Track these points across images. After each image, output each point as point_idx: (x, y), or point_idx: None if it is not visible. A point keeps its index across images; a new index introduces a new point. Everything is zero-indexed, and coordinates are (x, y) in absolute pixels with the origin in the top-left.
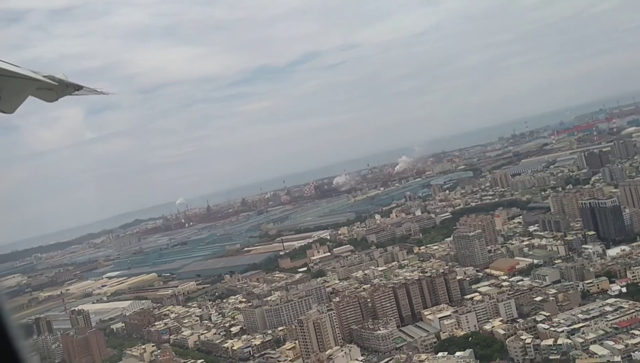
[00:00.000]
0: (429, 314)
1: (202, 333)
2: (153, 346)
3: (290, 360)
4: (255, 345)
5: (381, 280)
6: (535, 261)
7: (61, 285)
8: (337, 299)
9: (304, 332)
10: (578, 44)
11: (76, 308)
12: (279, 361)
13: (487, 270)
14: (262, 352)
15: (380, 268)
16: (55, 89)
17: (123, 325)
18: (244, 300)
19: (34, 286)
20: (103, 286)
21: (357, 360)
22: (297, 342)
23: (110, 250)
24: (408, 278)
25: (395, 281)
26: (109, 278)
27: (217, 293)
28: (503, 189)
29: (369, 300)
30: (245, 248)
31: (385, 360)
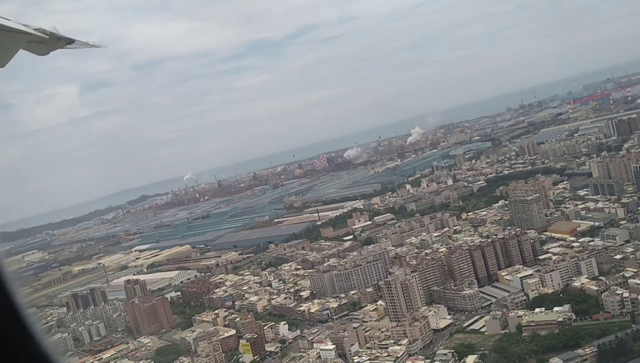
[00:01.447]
0: (506, 274)
1: (273, 298)
2: (226, 311)
3: (375, 320)
4: (332, 307)
5: (441, 245)
6: (596, 223)
7: (89, 259)
8: (415, 262)
9: (391, 293)
10: (578, 13)
11: (131, 278)
12: (364, 321)
13: (547, 233)
14: (341, 314)
15: (435, 234)
16: (47, 42)
17: (179, 293)
18: (299, 267)
19: (61, 261)
20: (137, 258)
21: (445, 318)
22: (378, 303)
23: (127, 225)
24: (469, 242)
25: (470, 244)
26: (140, 251)
27: (264, 262)
28: (533, 158)
29: (444, 262)
30: (275, 220)
31: (477, 316)
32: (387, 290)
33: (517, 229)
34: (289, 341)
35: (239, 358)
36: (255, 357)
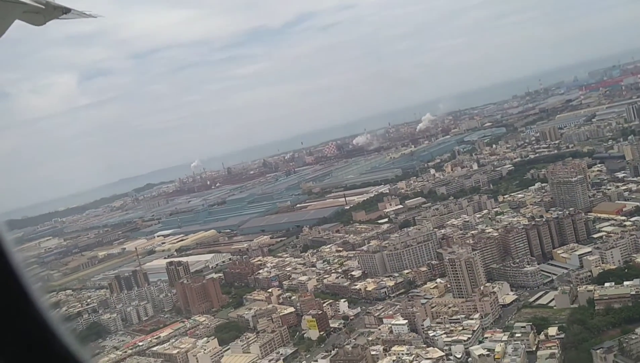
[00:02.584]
0: (562, 252)
1: (324, 278)
2: (278, 290)
3: (437, 297)
4: (388, 286)
5: (486, 226)
6: None
7: (110, 245)
8: (472, 241)
9: (455, 270)
10: (577, 1)
11: (174, 260)
12: (425, 298)
13: (592, 214)
14: (398, 292)
15: (478, 215)
16: (43, 12)
17: (220, 274)
18: (340, 248)
19: (81, 247)
20: (162, 243)
21: (508, 294)
22: (437, 280)
23: (140, 212)
24: (514, 222)
25: (525, 224)
26: (164, 236)
27: (300, 245)
28: (556, 142)
29: (500, 241)
30: (298, 205)
31: (541, 292)
32: (451, 268)
33: (565, 210)
34: (351, 318)
35: (303, 334)
36: (321, 333)
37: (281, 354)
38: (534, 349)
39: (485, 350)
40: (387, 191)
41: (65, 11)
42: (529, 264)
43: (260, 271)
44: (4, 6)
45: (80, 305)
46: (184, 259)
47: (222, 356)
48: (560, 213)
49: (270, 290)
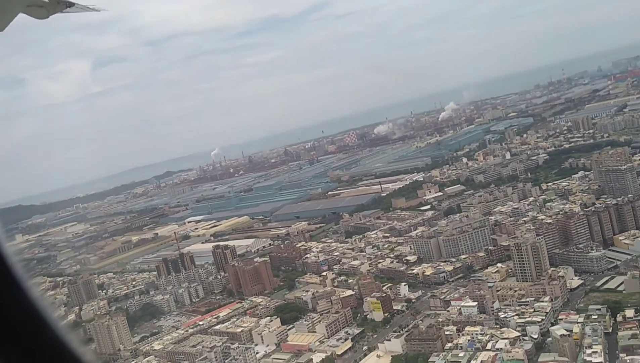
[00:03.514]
0: (624, 239)
1: (378, 262)
2: (333, 274)
3: (500, 281)
4: (447, 271)
5: (537, 213)
6: None
7: (140, 230)
8: (532, 227)
9: (521, 254)
10: None
11: (220, 244)
12: (488, 282)
13: None
14: (456, 277)
15: (525, 203)
16: (46, 6)
17: (265, 258)
18: (387, 234)
19: (111, 232)
20: (195, 229)
21: (572, 278)
22: (498, 265)
23: (165, 198)
24: (565, 209)
25: (586, 210)
26: (196, 221)
27: (342, 231)
28: (590, 132)
29: (559, 227)
30: (330, 192)
31: (607, 277)
32: (517, 252)
33: (609, 198)
34: (412, 301)
35: (366, 315)
36: (385, 314)
37: (349, 334)
38: (609, 331)
39: (565, 331)
40: (422, 179)
41: (68, 5)
42: (593, 249)
43: (308, 255)
44: (7, 0)
45: (126, 287)
46: (226, 244)
47: (287, 335)
48: (618, 199)
49: (324, 274)
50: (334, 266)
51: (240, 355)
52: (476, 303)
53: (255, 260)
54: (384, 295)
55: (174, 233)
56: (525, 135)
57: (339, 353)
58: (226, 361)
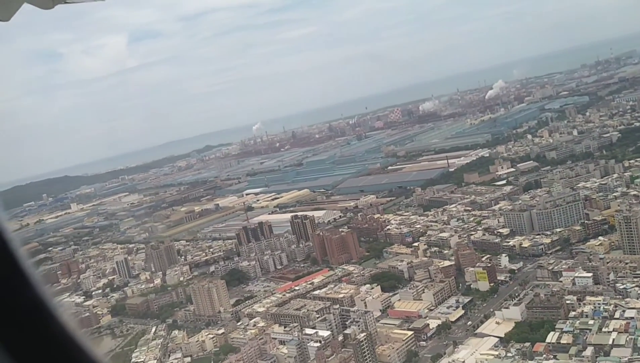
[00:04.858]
0: None
1: (471, 234)
2: (424, 244)
3: (604, 254)
4: (544, 243)
5: (626, 189)
6: None
7: (198, 201)
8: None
9: (629, 227)
10: None
11: (298, 214)
12: (591, 254)
13: None
14: (554, 249)
15: (612, 178)
16: None
17: (343, 230)
18: (469, 208)
19: (169, 202)
20: (257, 201)
21: None
22: (599, 238)
23: (212, 172)
24: None
25: None
26: (255, 194)
27: (415, 204)
28: None
29: None
30: (390, 167)
31: None
32: (625, 225)
33: None
34: (515, 271)
35: (469, 285)
36: (491, 284)
37: (459, 302)
38: None
39: None
40: (487, 155)
41: None
42: None
43: (389, 227)
44: None
45: (204, 254)
46: (286, 216)
47: (389, 302)
48: None
49: (416, 244)
50: (420, 238)
51: (360, 318)
52: (591, 274)
53: (340, 230)
54: (489, 265)
55: (243, 203)
56: (587, 113)
57: (452, 320)
58: (347, 322)
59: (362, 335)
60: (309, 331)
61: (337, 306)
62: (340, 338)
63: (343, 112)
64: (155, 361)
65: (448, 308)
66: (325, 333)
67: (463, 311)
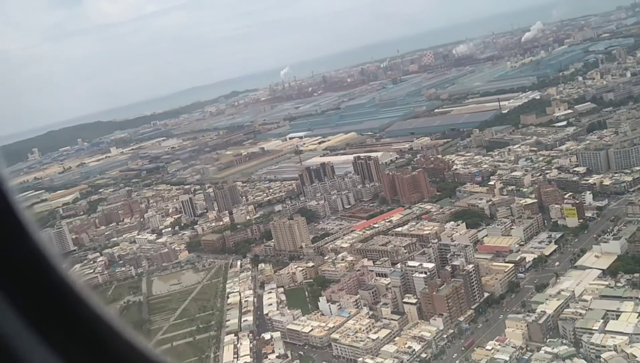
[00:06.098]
0: None
1: (546, 173)
2: (501, 183)
3: None
4: (626, 181)
5: None
6: None
7: (241, 145)
8: None
9: None
10: None
11: (361, 155)
12: None
13: None
14: (635, 187)
15: None
16: None
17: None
18: (534, 148)
19: (212, 146)
20: (303, 144)
21: None
22: None
23: (247, 116)
24: None
25: None
26: (299, 138)
27: (473, 146)
28: None
29: None
30: (436, 110)
31: None
32: None
33: None
34: (602, 208)
35: (556, 221)
36: (580, 221)
37: (552, 237)
38: None
39: None
40: (539, 97)
41: None
42: None
43: (456, 167)
44: None
45: (265, 194)
46: (341, 158)
47: (477, 237)
48: None
49: (491, 183)
50: (490, 178)
51: (461, 252)
52: None
53: (405, 169)
54: (577, 201)
55: (295, 146)
56: (638, 55)
57: (547, 254)
58: (448, 256)
59: (470, 266)
60: (412, 263)
61: (436, 240)
62: (449, 269)
63: (370, 55)
64: (251, 291)
65: (540, 243)
66: (429, 265)
67: (556, 246)
